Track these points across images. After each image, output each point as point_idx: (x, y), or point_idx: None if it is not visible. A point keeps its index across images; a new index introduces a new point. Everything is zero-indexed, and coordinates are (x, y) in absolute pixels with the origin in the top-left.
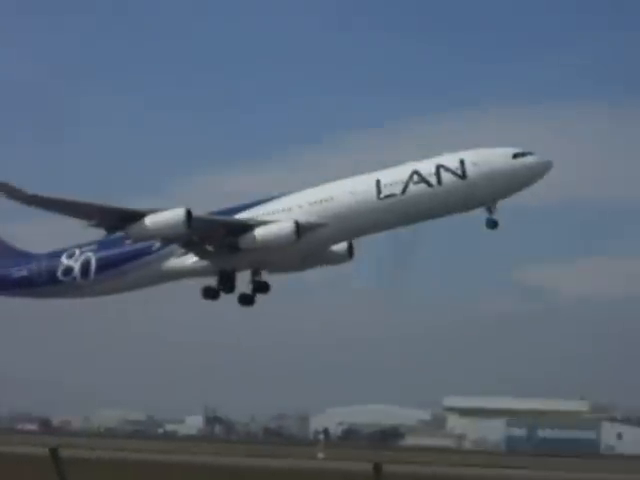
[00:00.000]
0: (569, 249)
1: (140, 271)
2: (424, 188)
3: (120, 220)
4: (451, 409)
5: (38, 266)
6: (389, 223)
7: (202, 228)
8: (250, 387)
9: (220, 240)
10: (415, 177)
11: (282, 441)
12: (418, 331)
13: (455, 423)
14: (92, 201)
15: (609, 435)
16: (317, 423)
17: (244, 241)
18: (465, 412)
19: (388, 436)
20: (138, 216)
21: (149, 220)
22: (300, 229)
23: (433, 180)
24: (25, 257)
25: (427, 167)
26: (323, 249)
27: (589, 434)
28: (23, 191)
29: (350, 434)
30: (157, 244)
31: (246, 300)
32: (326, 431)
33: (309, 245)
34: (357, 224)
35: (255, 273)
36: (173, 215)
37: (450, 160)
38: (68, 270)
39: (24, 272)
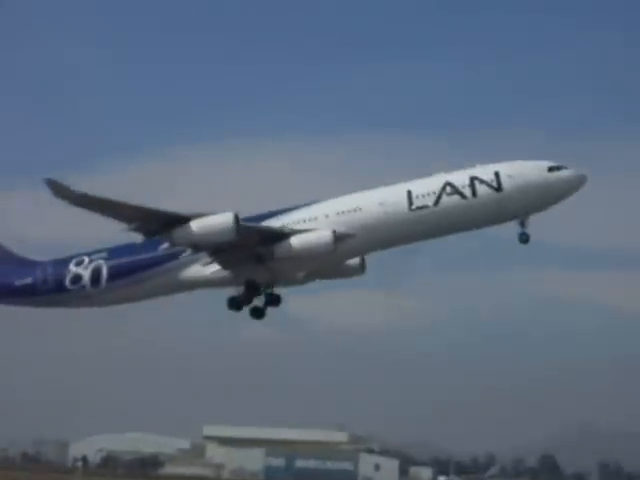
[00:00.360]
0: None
1: (155, 280)
2: (458, 200)
3: (163, 224)
4: (210, 438)
5: (44, 274)
6: (419, 235)
7: (243, 235)
8: (8, 411)
9: (253, 248)
10: (448, 189)
11: (40, 467)
12: (177, 360)
13: (214, 452)
14: (140, 204)
15: (367, 466)
16: (76, 450)
17: (280, 249)
18: (224, 441)
19: (147, 464)
20: (183, 220)
21: (196, 225)
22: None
23: (467, 192)
24: (27, 264)
25: (460, 179)
26: (342, 261)
27: (347, 465)
28: (72, 190)
29: (109, 462)
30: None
31: (258, 313)
32: (85, 458)
33: (336, 256)
34: (386, 236)
35: (269, 285)
36: (222, 220)
37: (484, 172)
38: (77, 278)
39: (28, 280)
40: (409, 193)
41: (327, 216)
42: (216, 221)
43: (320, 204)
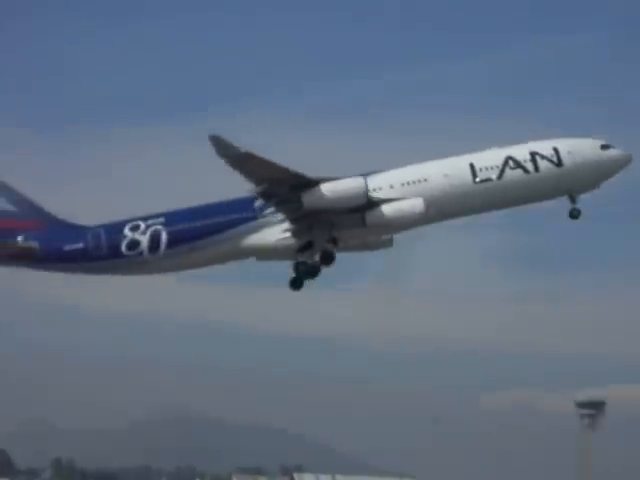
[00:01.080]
0: None
1: (216, 247)
2: (521, 174)
3: (291, 188)
4: None
5: (96, 239)
6: (481, 207)
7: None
8: None
9: (346, 215)
10: (511, 163)
11: None
12: None
13: None
14: (287, 166)
15: None
16: None
17: (372, 217)
18: None
19: None
20: (313, 184)
21: (327, 189)
22: None
23: (530, 166)
24: (74, 229)
25: (521, 153)
26: (399, 231)
27: None
28: (237, 147)
29: None
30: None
31: (298, 284)
32: None
33: (401, 226)
34: (450, 207)
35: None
36: (355, 185)
37: (543, 147)
38: (134, 244)
39: (79, 244)
40: (472, 166)
41: (392, 187)
42: (349, 185)
43: (383, 174)
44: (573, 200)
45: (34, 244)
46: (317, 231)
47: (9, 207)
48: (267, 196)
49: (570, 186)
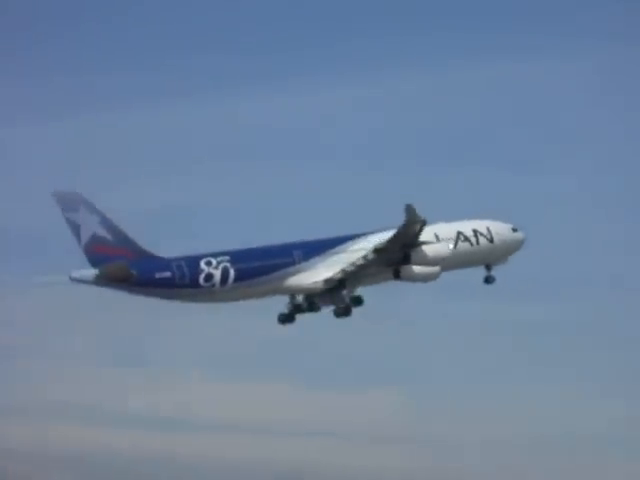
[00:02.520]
0: None
1: (268, 284)
2: (467, 245)
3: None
4: None
5: (180, 270)
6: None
7: None
8: None
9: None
10: (461, 236)
11: None
12: None
13: None
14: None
15: None
16: None
17: (416, 256)
18: None
19: None
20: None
21: (430, 250)
22: None
23: (473, 241)
24: (159, 259)
25: (466, 229)
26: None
27: None
28: (422, 219)
29: None
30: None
31: (347, 313)
32: None
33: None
34: (446, 264)
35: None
36: (445, 248)
37: (480, 226)
38: (209, 277)
39: (167, 274)
40: (436, 236)
41: None
42: (442, 249)
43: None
44: (489, 269)
45: (134, 270)
46: (356, 280)
47: (102, 233)
48: (387, 260)
49: (494, 259)
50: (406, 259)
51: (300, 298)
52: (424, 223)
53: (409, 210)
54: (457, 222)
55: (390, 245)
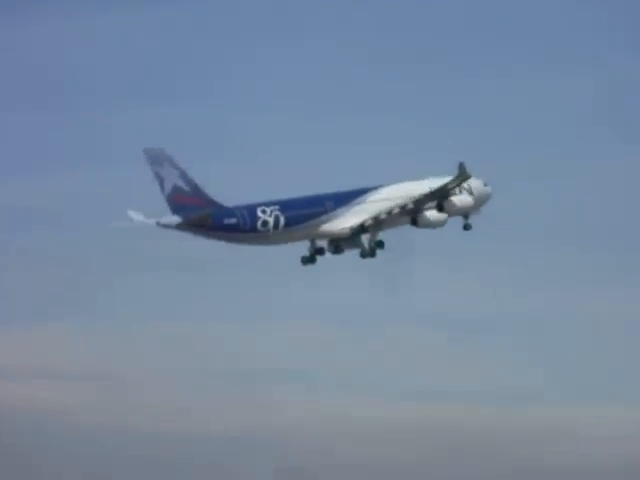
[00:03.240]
0: None
1: (309, 229)
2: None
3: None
4: None
5: (243, 217)
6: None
7: None
8: None
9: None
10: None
11: None
12: None
13: None
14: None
15: None
16: None
17: (448, 205)
18: None
19: None
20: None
21: (457, 200)
22: None
23: (458, 192)
24: (224, 208)
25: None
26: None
27: None
28: (468, 173)
29: None
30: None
31: (372, 254)
32: None
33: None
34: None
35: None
36: (468, 199)
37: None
38: (264, 223)
39: (233, 220)
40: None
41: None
42: (467, 200)
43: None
44: (467, 217)
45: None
46: (379, 226)
47: (180, 183)
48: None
49: (471, 209)
50: (439, 207)
51: (321, 242)
52: (469, 178)
53: (461, 167)
54: (446, 177)
55: (431, 196)
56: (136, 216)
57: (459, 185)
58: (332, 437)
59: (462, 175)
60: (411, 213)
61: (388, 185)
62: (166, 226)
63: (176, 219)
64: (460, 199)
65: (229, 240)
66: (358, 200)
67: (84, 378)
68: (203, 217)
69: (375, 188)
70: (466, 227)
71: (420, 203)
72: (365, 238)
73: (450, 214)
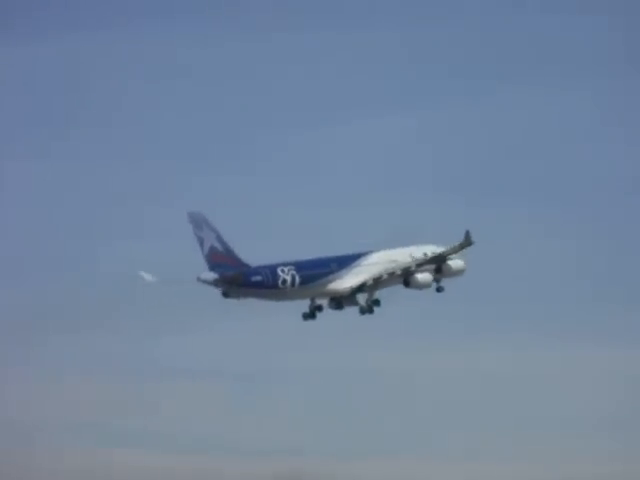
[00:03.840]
0: None
1: (319, 287)
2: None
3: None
4: None
5: (266, 275)
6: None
7: None
8: None
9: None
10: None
11: None
12: None
13: None
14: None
15: None
16: None
17: (446, 269)
18: None
19: None
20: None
21: (454, 264)
22: None
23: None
24: (249, 267)
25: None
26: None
27: None
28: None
29: None
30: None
31: (370, 311)
32: None
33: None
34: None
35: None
36: (461, 263)
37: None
38: (284, 281)
39: (259, 278)
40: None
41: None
42: (460, 264)
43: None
44: (438, 281)
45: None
46: (376, 286)
47: (216, 244)
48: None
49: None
50: (438, 271)
51: (318, 301)
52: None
53: (467, 235)
54: (425, 245)
55: (432, 260)
56: (147, 276)
57: (460, 251)
58: None
59: (467, 242)
60: (405, 275)
61: (377, 251)
62: (204, 281)
63: (213, 275)
64: (456, 263)
65: (254, 296)
66: (355, 263)
67: None
68: (236, 276)
69: (366, 253)
70: (439, 289)
71: (420, 265)
72: (362, 297)
73: (446, 276)
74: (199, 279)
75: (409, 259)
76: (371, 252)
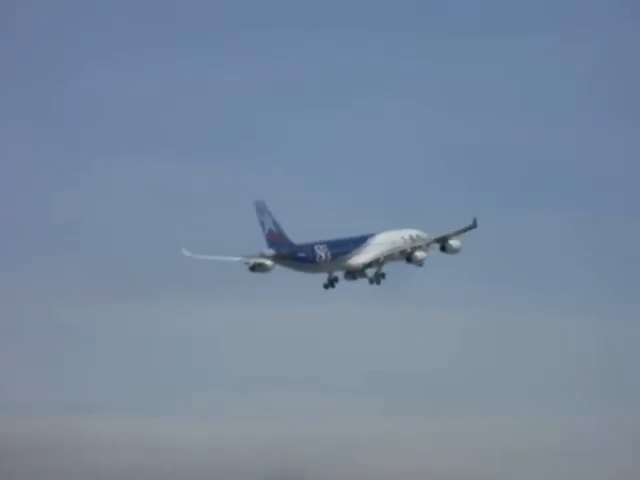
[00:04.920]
0: None
1: (342, 262)
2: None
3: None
4: None
5: (307, 252)
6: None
7: None
8: None
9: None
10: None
11: None
12: None
13: None
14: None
15: None
16: None
17: (449, 247)
18: None
19: None
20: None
21: (454, 243)
22: None
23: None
24: (295, 245)
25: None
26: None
27: None
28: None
29: None
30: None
31: (378, 282)
32: None
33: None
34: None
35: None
36: (459, 243)
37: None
38: (320, 257)
39: (303, 254)
40: (410, 236)
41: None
42: (459, 243)
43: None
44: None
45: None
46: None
47: (272, 226)
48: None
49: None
50: (442, 249)
51: (335, 274)
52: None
53: (474, 220)
54: (411, 229)
55: (438, 240)
56: (187, 253)
57: (463, 232)
58: None
59: (472, 225)
60: (408, 253)
61: (379, 233)
62: (264, 255)
63: (271, 251)
64: (455, 243)
65: (296, 268)
66: (365, 243)
67: None
68: (289, 252)
69: (372, 235)
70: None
71: (428, 244)
72: (370, 271)
73: (447, 253)
74: (262, 254)
75: (403, 241)
76: (375, 234)
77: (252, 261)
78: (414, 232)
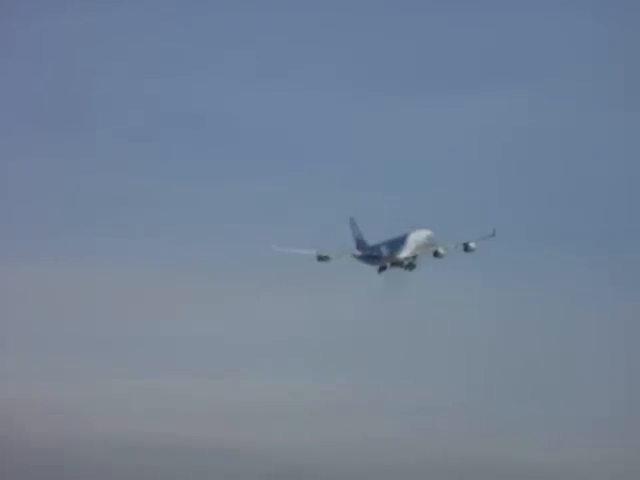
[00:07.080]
0: None
1: (393, 257)
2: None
3: None
4: None
5: (378, 251)
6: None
7: None
8: None
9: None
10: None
11: None
12: None
13: None
14: None
15: None
16: None
17: (469, 248)
18: None
19: None
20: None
21: (473, 244)
22: None
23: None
24: (368, 246)
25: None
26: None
27: None
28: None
29: None
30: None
31: (411, 269)
32: None
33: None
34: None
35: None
36: (475, 246)
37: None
38: (384, 254)
39: (375, 253)
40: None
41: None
42: (474, 245)
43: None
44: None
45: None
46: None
47: (359, 237)
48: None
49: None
50: (465, 249)
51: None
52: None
53: (494, 230)
54: (423, 230)
55: (465, 243)
56: (277, 248)
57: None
58: None
59: (492, 235)
60: (434, 250)
61: (411, 233)
62: (354, 255)
63: (358, 252)
64: (474, 244)
65: (367, 262)
66: (405, 241)
67: None
68: (369, 253)
69: (408, 234)
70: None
71: (455, 246)
72: (406, 260)
73: (468, 252)
74: (353, 255)
75: (428, 239)
76: (409, 233)
77: (341, 257)
78: (428, 231)
